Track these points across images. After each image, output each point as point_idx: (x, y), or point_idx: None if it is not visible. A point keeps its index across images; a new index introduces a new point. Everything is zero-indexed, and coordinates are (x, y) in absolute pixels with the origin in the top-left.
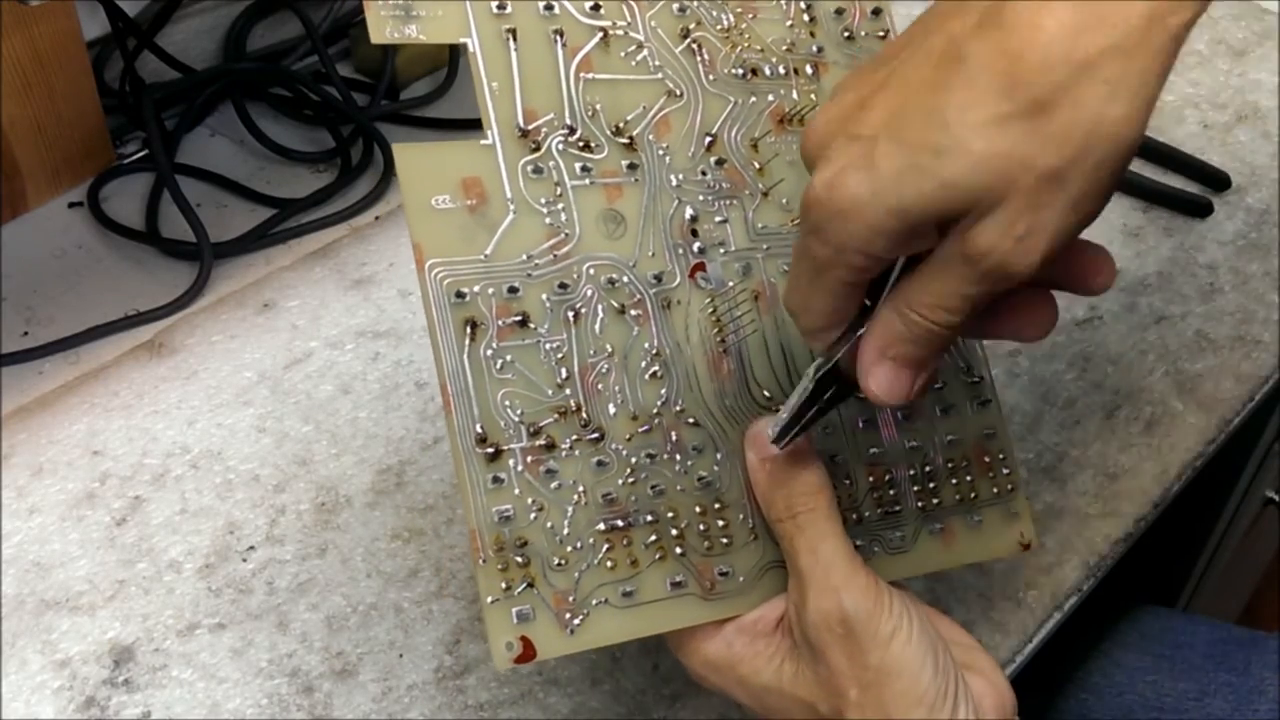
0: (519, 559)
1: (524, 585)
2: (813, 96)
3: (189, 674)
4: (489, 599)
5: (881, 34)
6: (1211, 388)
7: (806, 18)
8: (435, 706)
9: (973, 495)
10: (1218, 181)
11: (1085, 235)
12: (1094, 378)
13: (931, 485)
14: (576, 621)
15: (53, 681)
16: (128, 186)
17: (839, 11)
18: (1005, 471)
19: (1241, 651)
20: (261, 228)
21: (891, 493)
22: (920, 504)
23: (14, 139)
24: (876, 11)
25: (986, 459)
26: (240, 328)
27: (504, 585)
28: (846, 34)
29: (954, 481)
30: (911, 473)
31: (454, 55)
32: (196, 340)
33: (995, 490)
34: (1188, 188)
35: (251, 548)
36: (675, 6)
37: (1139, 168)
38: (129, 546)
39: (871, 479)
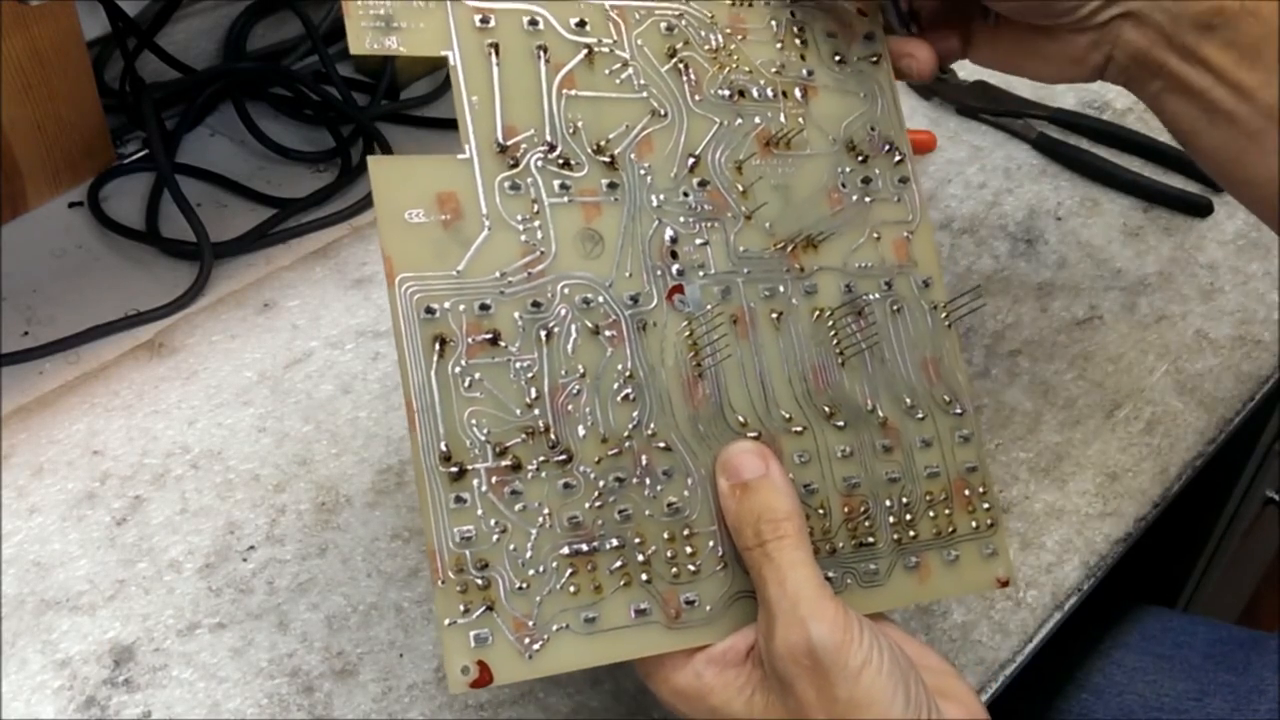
0: (479, 581)
1: (483, 609)
2: (800, 120)
3: (189, 674)
4: (446, 621)
5: (874, 59)
6: (1211, 387)
7: (798, 40)
8: (435, 706)
9: (951, 530)
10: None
11: (1089, 226)
12: (1094, 377)
13: (909, 518)
14: (536, 647)
15: (53, 681)
16: (128, 186)
17: (831, 34)
18: (985, 507)
19: (1241, 651)
20: (261, 228)
21: (867, 524)
22: (896, 537)
23: (14, 139)
24: (869, 36)
25: (967, 493)
26: (240, 327)
27: (462, 608)
28: (838, 57)
29: (932, 515)
30: (889, 504)
31: None
32: (197, 340)
33: (974, 525)
34: (1188, 187)
35: (252, 547)
36: (663, 25)
37: (1139, 167)
38: (129, 546)
39: (847, 510)
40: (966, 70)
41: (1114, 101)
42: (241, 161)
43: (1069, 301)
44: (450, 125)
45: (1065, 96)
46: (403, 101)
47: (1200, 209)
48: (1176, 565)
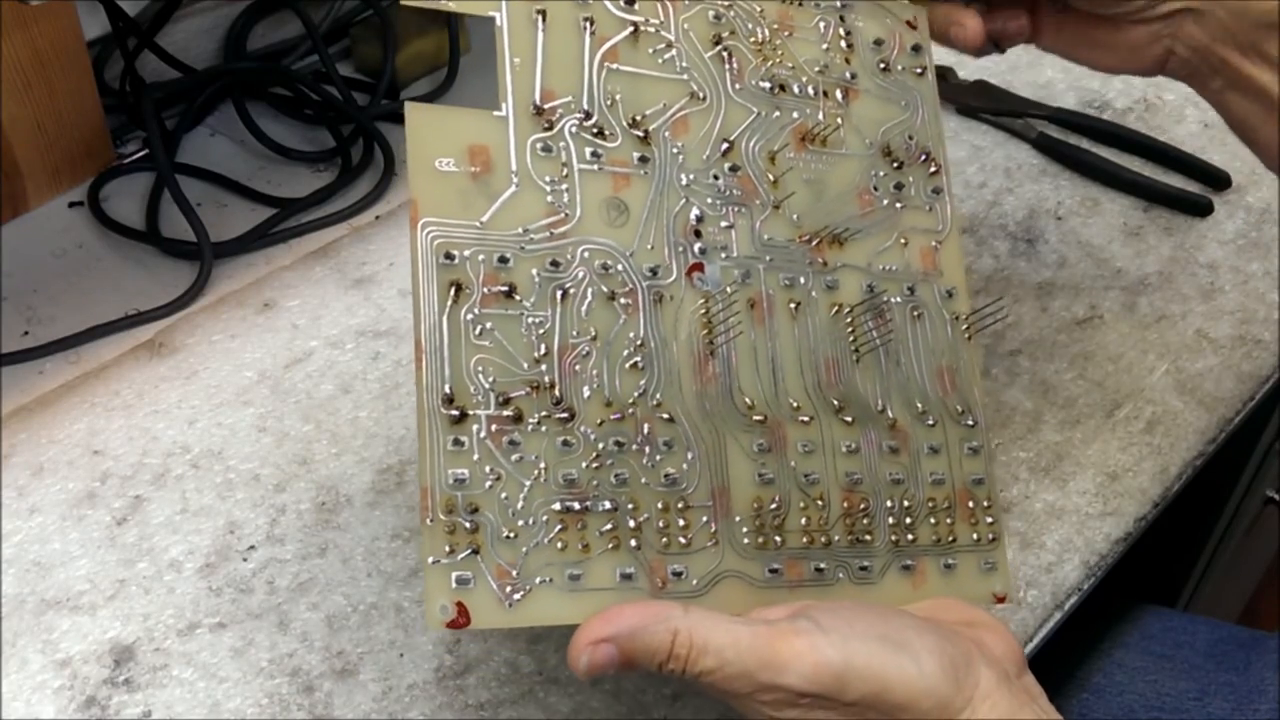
0: (467, 524)
1: (469, 551)
2: (839, 120)
3: (189, 673)
4: (430, 559)
5: (919, 70)
6: (1212, 387)
7: (844, 44)
8: (436, 706)
9: (951, 539)
10: (1218, 180)
11: (1089, 225)
12: (1094, 377)
13: (909, 521)
14: (517, 596)
15: (53, 681)
16: (128, 186)
17: (878, 42)
18: (989, 521)
19: (1242, 651)
20: (261, 227)
21: (865, 522)
22: (894, 538)
23: (14, 139)
24: (916, 48)
25: (970, 504)
26: (240, 327)
27: (448, 548)
28: (882, 65)
29: (933, 521)
30: (889, 505)
31: (454, 55)
32: (197, 340)
33: (975, 537)
34: (1188, 187)
35: (252, 547)
36: (711, 13)
37: (1139, 167)
38: (129, 546)
39: (846, 505)
40: (967, 70)
41: (1114, 101)
42: (241, 161)
43: (1069, 301)
44: None
45: (1065, 96)
46: (403, 101)
47: (1200, 209)
48: (1176, 565)
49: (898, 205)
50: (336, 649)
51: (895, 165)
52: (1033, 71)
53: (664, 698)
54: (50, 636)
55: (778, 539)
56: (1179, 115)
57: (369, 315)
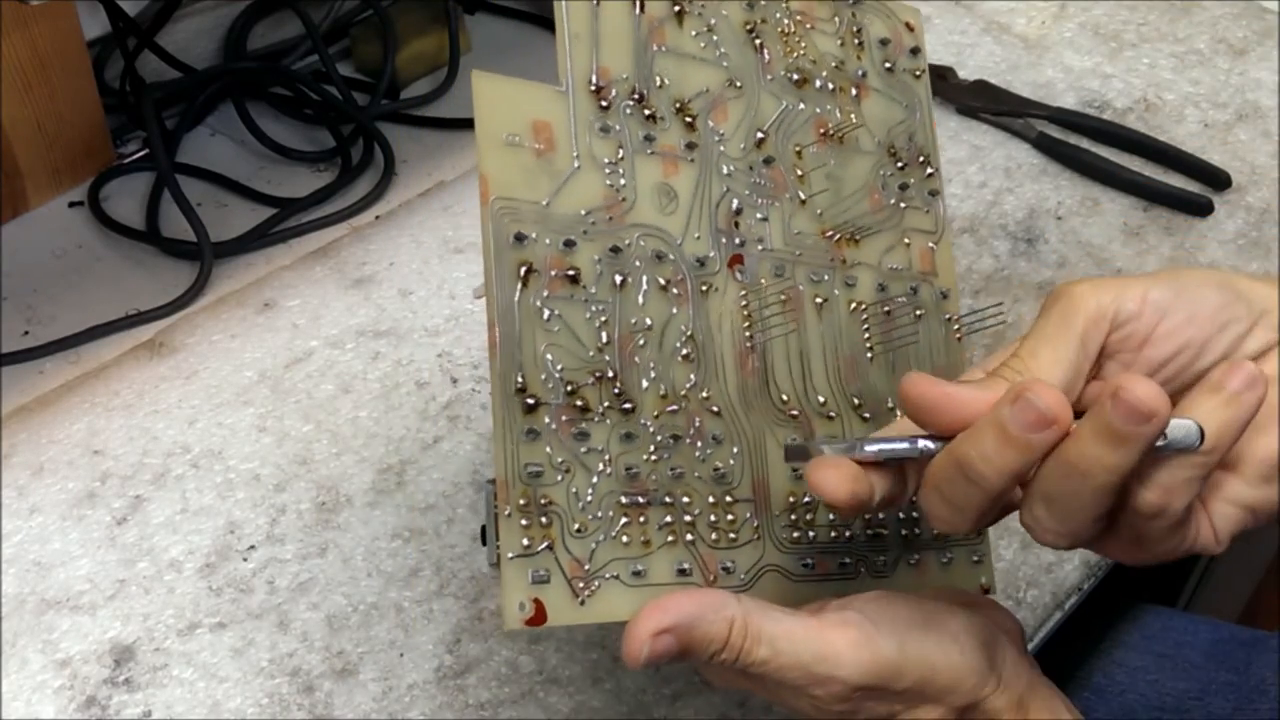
0: (543, 519)
1: (544, 546)
2: (853, 118)
3: (190, 673)
4: (509, 554)
5: (917, 74)
6: None
7: (856, 41)
8: (436, 706)
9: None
10: (1218, 180)
11: (1089, 225)
12: None
13: (915, 516)
14: (588, 592)
15: (53, 681)
16: (128, 186)
17: (884, 41)
18: None
19: (1242, 651)
20: (261, 227)
21: (880, 516)
22: (903, 532)
23: (14, 139)
24: (915, 50)
25: None
26: (240, 327)
27: (525, 542)
28: (888, 65)
29: None
30: None
31: (454, 55)
32: (197, 340)
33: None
34: (1188, 187)
35: (252, 547)
36: (744, 2)
37: (1139, 167)
38: (129, 546)
39: None
40: (967, 70)
41: (1114, 101)
42: (241, 161)
43: None
44: (450, 125)
45: (1065, 96)
46: (403, 101)
47: (1200, 208)
48: (1176, 565)
49: (901, 205)
50: (336, 649)
51: (900, 165)
52: (1033, 71)
53: (664, 697)
54: (50, 636)
55: (810, 534)
56: (1179, 115)
57: (369, 315)
